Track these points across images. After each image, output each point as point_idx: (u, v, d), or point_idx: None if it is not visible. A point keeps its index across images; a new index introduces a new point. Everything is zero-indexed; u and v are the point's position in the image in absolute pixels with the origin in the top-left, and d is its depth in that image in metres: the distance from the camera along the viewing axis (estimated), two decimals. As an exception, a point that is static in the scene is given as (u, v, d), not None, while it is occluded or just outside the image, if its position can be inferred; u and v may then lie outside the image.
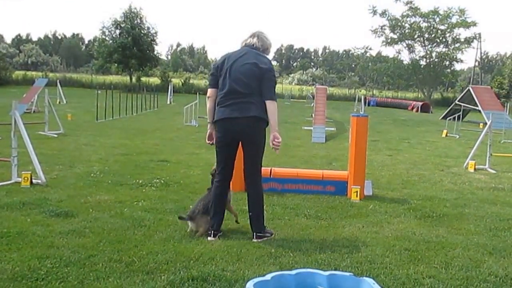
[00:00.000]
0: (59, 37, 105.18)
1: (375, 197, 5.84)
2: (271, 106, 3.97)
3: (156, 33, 42.56)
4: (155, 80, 44.12)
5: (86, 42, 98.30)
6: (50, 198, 5.16)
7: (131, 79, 42.72)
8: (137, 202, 5.18)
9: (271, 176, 6.03)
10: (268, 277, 2.77)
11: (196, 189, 5.90)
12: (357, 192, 5.66)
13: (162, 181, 6.25)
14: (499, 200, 5.99)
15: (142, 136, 11.62)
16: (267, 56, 4.23)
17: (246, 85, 3.96)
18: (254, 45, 4.15)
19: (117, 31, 40.97)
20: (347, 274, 2.84)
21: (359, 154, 5.81)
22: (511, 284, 3.29)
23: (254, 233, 4.05)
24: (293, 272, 2.85)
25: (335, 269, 3.32)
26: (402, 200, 5.76)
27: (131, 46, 39.66)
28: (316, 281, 2.81)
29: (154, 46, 42.83)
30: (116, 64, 42.28)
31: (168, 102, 27.49)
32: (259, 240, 3.99)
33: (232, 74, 4.00)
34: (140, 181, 6.20)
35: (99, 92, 16.91)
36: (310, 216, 4.88)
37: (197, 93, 20.35)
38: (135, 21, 40.94)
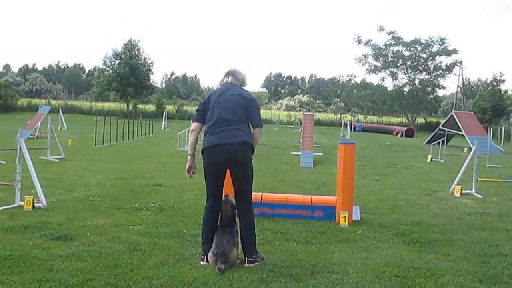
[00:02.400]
0: (62, 67, 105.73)
1: (364, 222, 5.69)
2: (257, 132, 4.12)
3: (152, 63, 42.86)
4: (150, 107, 44.12)
5: (87, 71, 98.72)
6: (51, 221, 5.07)
7: (128, 106, 42.70)
8: (132, 226, 5.08)
9: (262, 201, 5.97)
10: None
11: (190, 214, 5.81)
12: (345, 217, 5.52)
13: (157, 206, 6.17)
14: (487, 226, 5.79)
15: (138, 160, 11.53)
16: (246, 88, 4.37)
17: (234, 113, 4.02)
18: (231, 83, 4.25)
19: (117, 61, 41.18)
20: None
21: (347, 180, 5.72)
22: None
23: (246, 258, 3.99)
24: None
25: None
26: (390, 225, 5.60)
27: (128, 75, 39.83)
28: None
29: (150, 75, 43.05)
30: (114, 92, 42.34)
31: (163, 128, 27.41)
32: (250, 265, 3.93)
33: (220, 104, 4.06)
34: (136, 205, 6.11)
35: (97, 118, 16.82)
36: (300, 241, 4.76)
37: (191, 120, 20.36)
38: (133, 52, 41.23)
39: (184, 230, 4.97)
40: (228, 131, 3.96)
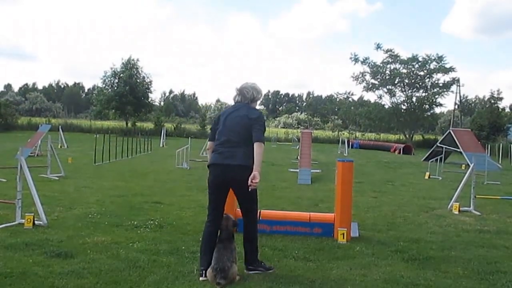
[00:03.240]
0: (62, 86, 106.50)
1: (362, 239, 5.68)
2: (258, 148, 4.05)
3: (150, 82, 43.26)
4: (149, 125, 44.30)
5: (86, 90, 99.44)
6: (51, 238, 5.08)
7: (127, 124, 42.87)
8: (132, 243, 5.10)
9: (260, 218, 5.99)
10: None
11: (188, 231, 5.83)
12: (343, 234, 5.53)
13: (156, 223, 6.18)
14: (485, 243, 5.76)
15: (136, 178, 11.55)
16: (256, 107, 4.43)
17: (238, 134, 4.13)
18: (241, 101, 4.35)
19: (116, 80, 41.55)
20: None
21: (345, 197, 5.75)
22: None
23: (247, 265, 4.20)
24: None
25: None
26: (388, 242, 5.59)
27: (127, 94, 40.14)
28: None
29: (149, 93, 43.38)
30: (113, 111, 42.58)
31: (161, 146, 27.47)
32: (250, 272, 4.13)
33: (226, 125, 4.22)
34: (135, 222, 6.13)
35: (97, 136, 16.89)
36: (298, 258, 4.76)
37: (189, 138, 20.42)
38: (132, 71, 41.64)
39: (183, 247, 4.99)
40: (230, 152, 4.09)
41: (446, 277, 4.30)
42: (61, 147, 22.05)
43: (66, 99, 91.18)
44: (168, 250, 4.84)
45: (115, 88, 40.98)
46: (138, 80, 41.84)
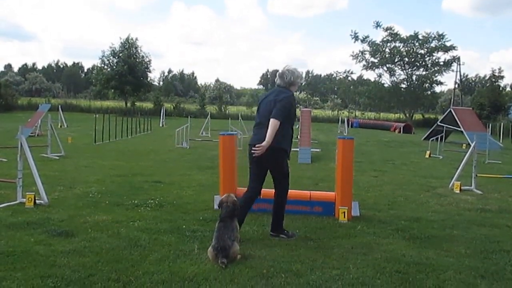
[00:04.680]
0: (61, 66, 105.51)
1: (363, 218, 5.64)
2: (271, 123, 4.45)
3: (150, 61, 42.78)
4: (148, 105, 44.07)
5: (86, 70, 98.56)
6: (52, 218, 5.08)
7: (126, 104, 42.61)
8: (133, 222, 5.09)
9: (261, 197, 5.96)
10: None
11: (189, 210, 5.82)
12: (344, 212, 5.50)
13: (157, 202, 6.17)
14: (487, 222, 5.71)
15: (136, 157, 11.52)
16: (290, 91, 4.73)
17: (265, 117, 4.58)
18: (280, 84, 4.74)
19: (115, 60, 41.10)
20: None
21: (346, 175, 5.69)
22: None
23: (271, 231, 4.72)
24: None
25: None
26: (389, 221, 5.55)
27: (126, 73, 39.77)
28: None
29: (148, 73, 42.99)
30: (112, 90, 42.27)
31: (161, 125, 27.39)
32: (272, 237, 4.63)
33: (260, 109, 4.76)
34: (136, 202, 6.12)
35: (96, 116, 16.79)
36: (299, 237, 4.73)
37: (189, 117, 20.32)
38: (131, 50, 41.14)
39: (184, 226, 4.98)
40: (260, 135, 4.52)
41: (448, 256, 4.27)
42: (61, 126, 22.00)
43: (66, 79, 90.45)
44: (168, 229, 4.83)
45: (114, 67, 40.57)
46: (137, 60, 41.40)
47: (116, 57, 40.90)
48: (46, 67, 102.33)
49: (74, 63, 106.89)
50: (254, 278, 3.50)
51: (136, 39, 42.23)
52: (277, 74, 4.74)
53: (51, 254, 3.85)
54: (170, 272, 3.56)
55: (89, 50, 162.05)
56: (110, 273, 3.48)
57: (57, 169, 8.92)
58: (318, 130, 27.72)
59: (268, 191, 6.13)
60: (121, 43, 41.14)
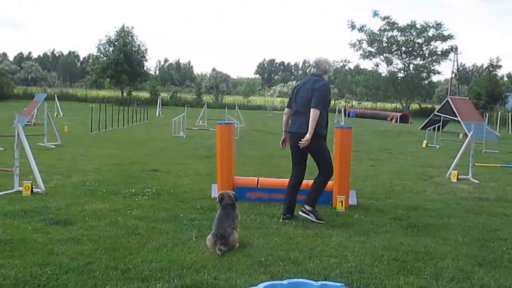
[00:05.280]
0: (57, 55, 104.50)
1: (360, 207, 5.66)
2: (312, 113, 4.79)
3: (146, 50, 42.51)
4: (144, 94, 43.86)
5: (81, 59, 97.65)
6: (50, 206, 5.05)
7: (122, 93, 42.41)
8: (130, 210, 5.08)
9: (258, 186, 5.98)
10: (260, 286, 2.69)
11: (186, 198, 5.82)
12: (342, 201, 5.50)
13: (154, 190, 6.16)
14: (485, 211, 5.74)
15: (133, 146, 11.48)
16: (324, 79, 5.07)
17: (302, 106, 4.90)
18: (315, 72, 5.01)
19: (111, 48, 40.78)
20: (339, 284, 2.74)
21: (344, 164, 5.69)
22: None
23: (302, 207, 4.92)
24: (285, 281, 2.77)
25: (326, 279, 3.19)
26: (387, 210, 5.56)
27: (123, 62, 39.50)
28: (308, 291, 2.75)
29: (144, 62, 42.73)
30: (108, 79, 42.02)
31: (157, 115, 27.27)
32: (301, 214, 4.86)
33: (296, 97, 5.00)
34: (133, 190, 6.10)
35: (92, 105, 16.71)
36: (297, 225, 4.73)
37: (185, 106, 20.23)
38: (127, 39, 40.81)
39: (181, 215, 4.98)
40: (297, 122, 4.91)
41: (446, 244, 4.28)
42: (57, 115, 21.87)
43: (61, 68, 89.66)
44: (166, 218, 4.83)
45: (110, 56, 40.27)
46: (133, 48, 41.10)
47: (112, 46, 40.58)
48: (41, 55, 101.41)
49: (70, 52, 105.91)
50: (252, 266, 3.51)
51: (132, 27, 41.93)
52: (313, 63, 5.01)
53: (49, 242, 3.84)
54: (168, 260, 3.57)
55: (85, 39, 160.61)
56: (109, 261, 3.48)
57: (53, 158, 8.88)
58: (314, 119, 27.60)
59: (266, 180, 6.15)
60: (117, 31, 40.82)
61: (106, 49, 41.09)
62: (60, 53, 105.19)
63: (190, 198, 5.85)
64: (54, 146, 10.60)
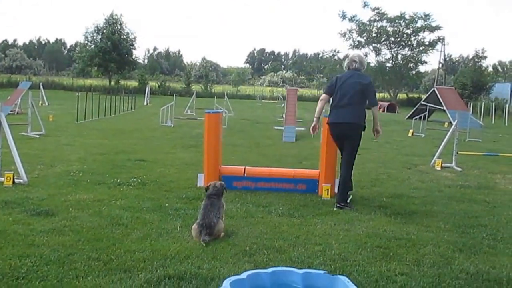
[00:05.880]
0: (43, 42, 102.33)
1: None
2: (375, 110, 5.37)
3: (134, 38, 41.88)
4: (133, 83, 43.40)
5: (68, 47, 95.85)
6: (32, 197, 4.94)
7: (110, 82, 41.84)
8: (115, 200, 5.00)
9: (245, 175, 5.94)
10: (244, 275, 2.67)
11: (172, 188, 5.76)
12: (328, 190, 5.51)
13: (139, 180, 6.08)
14: (466, 198, 5.84)
15: (120, 136, 11.34)
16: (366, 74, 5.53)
17: (351, 98, 5.13)
18: (358, 68, 5.33)
19: (98, 36, 40.08)
20: (322, 272, 2.76)
21: (330, 153, 5.70)
22: (482, 281, 3.17)
23: (336, 203, 5.07)
24: (269, 270, 2.76)
25: (309, 267, 3.19)
26: (372, 198, 5.61)
27: (110, 50, 38.88)
28: (291, 279, 2.72)
29: (133, 50, 42.13)
30: (96, 68, 41.39)
31: (145, 104, 27.03)
32: (338, 209, 5.00)
33: (343, 89, 5.17)
34: (118, 180, 6.01)
35: (79, 94, 16.43)
36: (282, 214, 4.73)
37: (174, 95, 20.04)
38: (116, 27, 40.14)
39: (167, 204, 4.92)
40: (344, 113, 5.14)
41: (428, 231, 4.33)
42: (42, 104, 21.53)
43: (47, 56, 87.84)
44: (151, 208, 4.77)
45: (98, 44, 39.60)
46: (122, 36, 40.44)
47: (100, 34, 39.89)
48: (27, 43, 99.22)
49: (56, 39, 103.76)
50: (237, 255, 3.48)
51: (121, 15, 41.25)
52: (356, 59, 5.36)
53: (29, 234, 3.76)
54: (152, 250, 3.51)
55: (72, 26, 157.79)
56: (91, 252, 3.41)
57: (37, 147, 8.72)
58: (303, 109, 27.61)
59: (253, 169, 6.11)
60: (105, 19, 40.10)
61: (94, 37, 40.38)
62: (46, 41, 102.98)
63: (176, 188, 5.79)
64: (38, 136, 10.41)
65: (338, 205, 5.04)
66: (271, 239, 3.88)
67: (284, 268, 2.82)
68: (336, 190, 5.69)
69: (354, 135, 5.18)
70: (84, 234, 3.84)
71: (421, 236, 4.16)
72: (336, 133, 5.28)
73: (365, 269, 3.29)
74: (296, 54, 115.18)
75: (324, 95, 5.41)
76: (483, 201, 5.74)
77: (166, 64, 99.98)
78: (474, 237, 4.22)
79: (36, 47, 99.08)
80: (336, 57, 44.31)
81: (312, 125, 5.40)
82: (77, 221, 4.17)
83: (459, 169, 8.12)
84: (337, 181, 5.83)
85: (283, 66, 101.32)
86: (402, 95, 45.84)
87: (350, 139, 5.21)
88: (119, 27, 40.50)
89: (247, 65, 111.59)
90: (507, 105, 28.02)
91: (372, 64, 42.21)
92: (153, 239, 3.78)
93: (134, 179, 6.11)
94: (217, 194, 4.08)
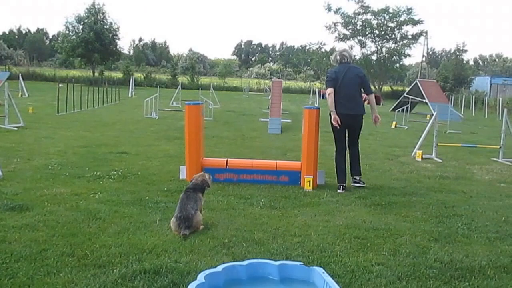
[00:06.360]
0: (24, 32, 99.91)
1: (328, 186, 5.70)
2: (372, 97, 5.88)
3: (118, 28, 41.21)
4: (118, 74, 42.79)
5: (50, 36, 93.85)
6: (6, 191, 4.79)
7: (93, 73, 41.19)
8: (93, 194, 4.90)
9: (227, 167, 5.88)
10: (219, 268, 2.64)
11: (154, 181, 5.67)
12: (310, 181, 5.51)
13: (120, 173, 5.97)
14: (445, 188, 5.93)
15: (102, 128, 11.15)
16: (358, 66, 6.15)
17: (355, 90, 5.68)
18: (348, 61, 5.77)
19: (80, 26, 39.33)
20: (298, 263, 2.75)
21: (312, 144, 5.70)
22: (455, 270, 3.20)
23: (352, 178, 5.70)
24: (245, 262, 2.74)
25: (287, 259, 3.18)
26: (353, 189, 5.61)
27: (93, 40, 38.20)
28: (267, 271, 2.71)
29: (116, 40, 41.46)
30: (79, 58, 40.67)
31: (130, 95, 26.67)
32: (355, 185, 5.65)
33: (345, 83, 5.63)
34: (98, 173, 5.90)
35: (61, 85, 16.10)
36: (264, 206, 4.70)
37: (158, 87, 19.80)
38: (98, 17, 39.43)
39: (147, 197, 4.84)
40: (354, 105, 5.64)
41: (405, 221, 4.38)
42: (21, 96, 21.06)
43: (29, 46, 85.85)
44: (130, 201, 4.68)
45: (80, 34, 38.86)
46: (104, 26, 39.75)
47: (82, 23, 39.14)
48: (7, 32, 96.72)
49: (38, 29, 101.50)
50: (215, 248, 3.43)
51: (103, 4, 40.55)
52: (346, 53, 5.80)
53: (1, 229, 3.64)
54: (129, 244, 3.44)
55: (54, 15, 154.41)
56: (65, 248, 3.32)
57: (14, 140, 8.50)
58: (290, 101, 27.71)
59: (235, 161, 6.05)
60: (87, 8, 39.34)
61: (76, 27, 39.60)
62: (27, 30, 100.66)
63: (157, 181, 5.70)
64: (16, 128, 10.14)
65: (357, 179, 5.70)
66: (251, 231, 3.85)
67: (260, 260, 2.79)
68: (318, 182, 5.74)
69: (361, 123, 5.81)
70: (59, 229, 3.74)
71: (398, 226, 4.19)
72: (348, 123, 5.68)
73: (342, 259, 3.30)
74: (284, 46, 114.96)
75: (331, 89, 5.67)
76: (461, 191, 5.82)
77: (153, 55, 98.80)
78: (450, 226, 4.28)
79: (16, 36, 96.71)
80: (323, 50, 44.46)
81: (333, 117, 5.63)
82: (53, 216, 4.07)
83: (439, 160, 8.24)
84: (319, 172, 5.87)
85: (270, 58, 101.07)
86: (387, 88, 46.24)
87: (357, 127, 5.79)
88: (102, 17, 39.78)
89: (235, 57, 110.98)
90: (486, 98, 28.47)
91: (357, 57, 42.47)
92: (131, 233, 3.71)
93: (115, 172, 6.00)
94: (193, 188, 4.03)
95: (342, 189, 5.51)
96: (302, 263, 2.77)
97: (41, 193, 4.85)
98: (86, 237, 3.57)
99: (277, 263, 2.71)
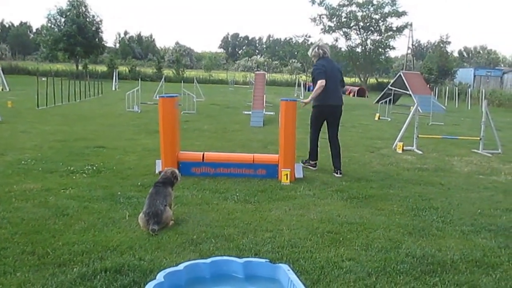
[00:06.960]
0: (7, 25, 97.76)
1: (306, 180, 5.60)
2: (343, 89, 6.69)
3: (101, 21, 40.54)
4: (103, 68, 42.14)
5: (34, 30, 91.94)
6: (-28, 187, 4.62)
7: (77, 66, 40.49)
8: (64, 190, 4.74)
9: (204, 161, 5.75)
10: (180, 266, 2.53)
11: (128, 175, 5.52)
12: (287, 175, 5.40)
13: (95, 168, 5.81)
14: (423, 180, 5.87)
15: (82, 122, 10.91)
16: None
17: (336, 83, 6.11)
18: (328, 55, 6.17)
19: (62, 19, 38.56)
20: (263, 260, 2.65)
21: (289, 137, 5.58)
22: (427, 265, 3.14)
23: (338, 170, 5.99)
24: (208, 260, 2.64)
25: (256, 255, 3.08)
26: (331, 182, 5.53)
27: (76, 34, 37.50)
28: (232, 268, 2.61)
29: (100, 34, 40.76)
30: (62, 52, 39.92)
31: (114, 89, 26.28)
32: (339, 176, 5.90)
33: (330, 75, 6.00)
34: (72, 168, 5.73)
35: (43, 79, 15.74)
36: (238, 200, 4.58)
37: (139, 80, 19.48)
38: (80, 10, 38.68)
39: (119, 192, 4.70)
40: (335, 96, 6.07)
41: (381, 215, 4.30)
42: (2, 90, 20.57)
43: (12, 40, 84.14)
44: (102, 196, 4.54)
45: (62, 27, 38.12)
46: (87, 20, 39.04)
47: (64, 16, 38.37)
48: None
49: (21, 22, 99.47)
50: (182, 245, 3.32)
51: (85, -4, 39.77)
52: (326, 48, 6.17)
53: (-39, 227, 3.48)
54: (94, 242, 3.31)
55: (37, 8, 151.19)
56: (26, 246, 3.18)
57: (-11, 135, 8.26)
58: (275, 93, 27.58)
59: (212, 155, 5.93)
60: (69, 1, 38.55)
61: (58, 20, 38.83)
62: (10, 24, 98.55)
63: (132, 175, 5.56)
64: (-8, 123, 9.87)
65: (340, 171, 5.99)
66: (222, 227, 3.74)
67: (225, 257, 2.69)
68: (296, 175, 5.65)
69: (340, 114, 6.23)
70: (23, 226, 3.59)
71: (373, 220, 4.11)
72: (330, 112, 6.11)
73: (312, 255, 3.19)
74: (270, 39, 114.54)
75: (323, 81, 5.94)
76: (439, 183, 5.77)
77: (139, 48, 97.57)
78: (425, 219, 4.21)
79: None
80: (309, 42, 44.41)
81: (307, 100, 6.24)
82: (19, 213, 3.91)
83: (420, 152, 8.20)
84: (297, 166, 5.78)
85: (257, 51, 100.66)
86: (372, 80, 46.38)
87: (338, 117, 6.19)
88: (84, 10, 39.04)
89: (222, 50, 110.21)
90: (469, 90, 28.69)
91: (343, 49, 42.45)
92: (97, 230, 3.58)
93: (90, 167, 5.84)
94: (163, 182, 3.91)
95: (315, 166, 6.25)
96: (268, 260, 2.68)
97: (10, 189, 4.68)
98: (50, 235, 3.43)
99: (242, 260, 2.62)
